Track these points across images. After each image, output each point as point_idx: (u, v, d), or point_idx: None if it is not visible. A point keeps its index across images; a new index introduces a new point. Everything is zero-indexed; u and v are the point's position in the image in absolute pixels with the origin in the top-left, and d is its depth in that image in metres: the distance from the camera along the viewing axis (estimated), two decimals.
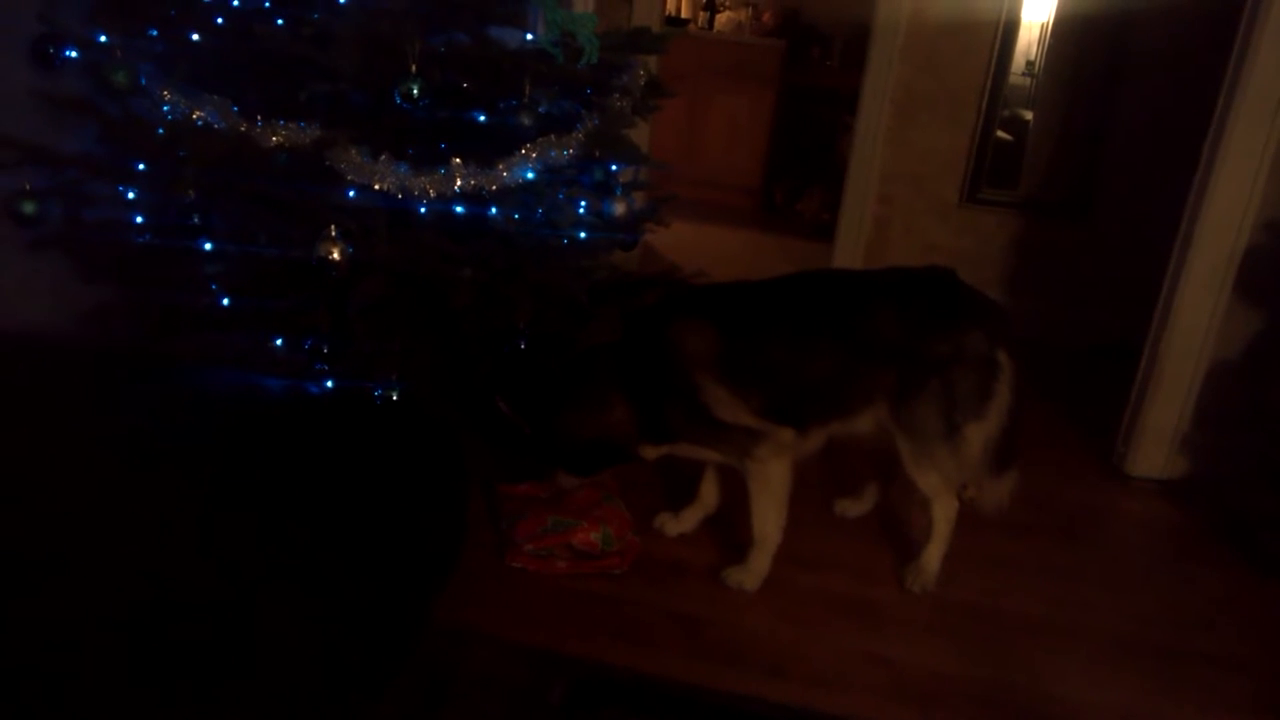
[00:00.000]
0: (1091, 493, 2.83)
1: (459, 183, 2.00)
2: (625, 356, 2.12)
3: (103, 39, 1.97)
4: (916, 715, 1.84)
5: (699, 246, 4.78)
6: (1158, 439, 2.87)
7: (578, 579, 2.13)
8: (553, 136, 2.12)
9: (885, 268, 2.26)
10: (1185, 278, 2.74)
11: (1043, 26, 4.19)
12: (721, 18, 6.27)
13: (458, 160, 2.01)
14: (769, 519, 2.14)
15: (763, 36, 6.07)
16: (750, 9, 6.21)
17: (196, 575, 1.26)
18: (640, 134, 3.45)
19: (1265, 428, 2.69)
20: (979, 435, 2.09)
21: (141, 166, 2.04)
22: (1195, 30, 3.51)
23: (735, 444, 2.09)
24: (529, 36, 2.23)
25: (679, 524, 2.37)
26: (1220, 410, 2.82)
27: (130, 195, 2.04)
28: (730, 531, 2.34)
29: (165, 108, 1.90)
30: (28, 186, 1.96)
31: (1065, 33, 4.06)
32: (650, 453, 2.16)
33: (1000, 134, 4.08)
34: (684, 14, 6.29)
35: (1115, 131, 3.93)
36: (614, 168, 2.45)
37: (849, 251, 4.13)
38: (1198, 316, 2.76)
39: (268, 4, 2.02)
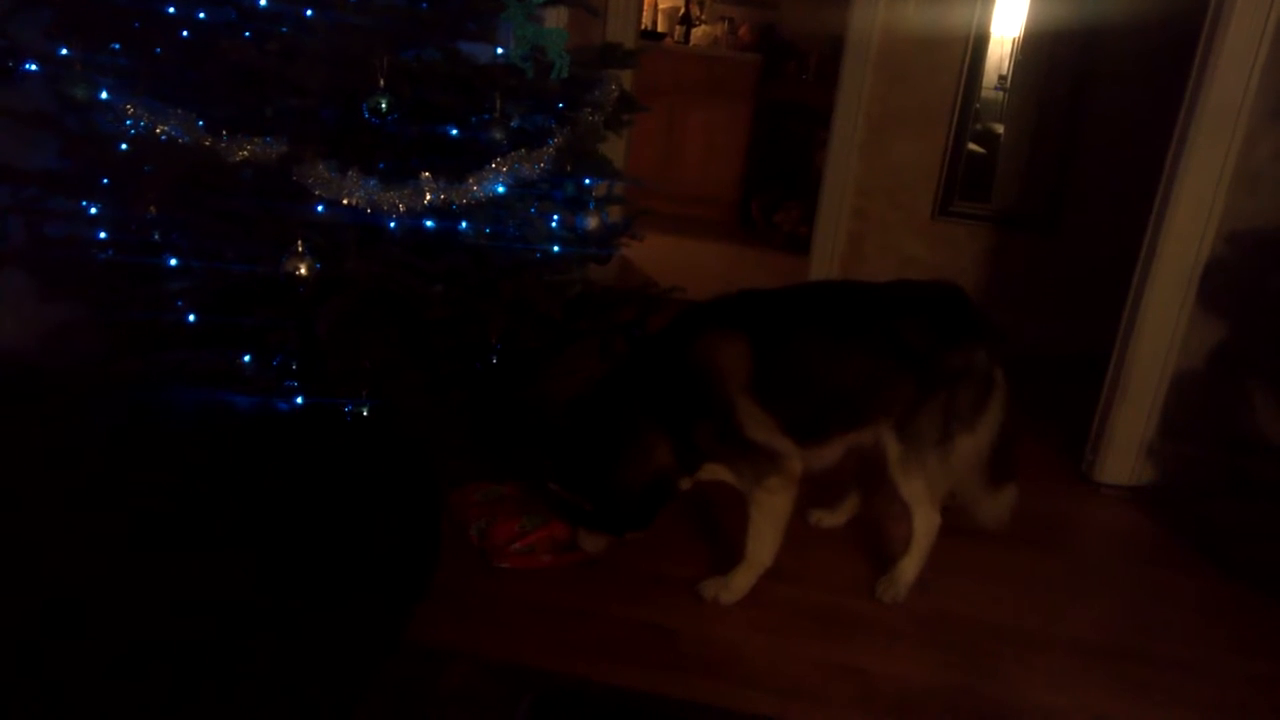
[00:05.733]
0: (1061, 500, 2.86)
1: (429, 197, 1.99)
2: (649, 383, 2.06)
3: (64, 52, 1.94)
4: None
5: (676, 260, 4.80)
6: (1125, 447, 2.91)
7: (549, 593, 2.12)
8: (524, 151, 2.11)
9: (893, 281, 2.26)
10: (1150, 289, 2.78)
11: (1014, 41, 4.25)
12: (698, 32, 6.30)
13: (427, 175, 2.00)
14: (765, 544, 2.13)
15: (739, 51, 6.11)
16: (726, 24, 6.25)
17: (160, 597, 1.24)
18: (616, 148, 3.46)
19: (1227, 435, 2.73)
20: (967, 446, 2.13)
21: (105, 182, 2.02)
22: (1160, 46, 3.56)
23: (756, 467, 2.06)
24: (499, 51, 2.24)
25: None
26: (1185, 418, 2.86)
27: (93, 211, 2.02)
28: (712, 545, 2.34)
29: (128, 122, 1.88)
30: None
31: (1034, 47, 4.12)
32: (686, 484, 2.11)
33: (973, 147, 4.12)
34: (660, 28, 6.32)
35: (1084, 145, 3.97)
36: (587, 182, 2.46)
37: (824, 264, 4.15)
38: (1162, 327, 2.79)
39: (235, 17, 2.01)
